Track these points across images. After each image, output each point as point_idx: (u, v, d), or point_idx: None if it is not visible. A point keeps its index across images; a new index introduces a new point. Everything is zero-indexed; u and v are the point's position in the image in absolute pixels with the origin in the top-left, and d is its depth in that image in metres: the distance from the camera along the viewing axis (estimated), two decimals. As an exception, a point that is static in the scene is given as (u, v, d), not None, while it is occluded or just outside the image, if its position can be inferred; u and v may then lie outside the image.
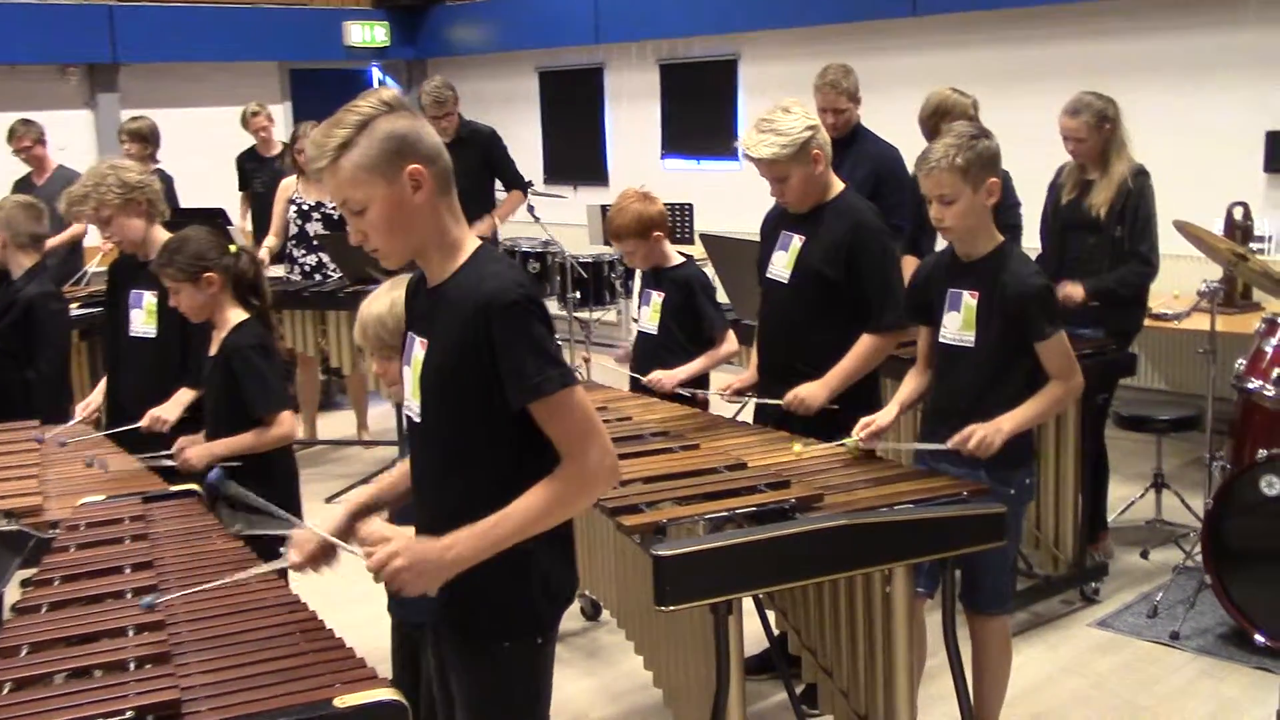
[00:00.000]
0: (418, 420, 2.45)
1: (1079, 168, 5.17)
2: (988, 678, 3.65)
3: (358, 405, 7.62)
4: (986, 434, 3.36)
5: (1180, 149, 6.76)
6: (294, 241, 7.30)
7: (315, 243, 7.23)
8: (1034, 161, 5.42)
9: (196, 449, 3.80)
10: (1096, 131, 4.99)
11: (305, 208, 7.22)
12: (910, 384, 3.74)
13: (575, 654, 4.66)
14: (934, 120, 5.23)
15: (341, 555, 2.58)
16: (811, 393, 3.84)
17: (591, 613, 4.89)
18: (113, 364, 4.51)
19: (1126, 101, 5.13)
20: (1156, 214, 5.08)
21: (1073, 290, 4.94)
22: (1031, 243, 5.38)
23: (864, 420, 3.59)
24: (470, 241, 2.40)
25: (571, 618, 4.86)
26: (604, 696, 4.36)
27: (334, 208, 7.12)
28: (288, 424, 3.84)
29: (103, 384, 4.53)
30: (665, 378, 4.37)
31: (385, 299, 3.01)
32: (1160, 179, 5.17)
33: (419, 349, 2.42)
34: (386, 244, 2.35)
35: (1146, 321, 5.47)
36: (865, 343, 3.88)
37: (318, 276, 7.23)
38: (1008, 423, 3.39)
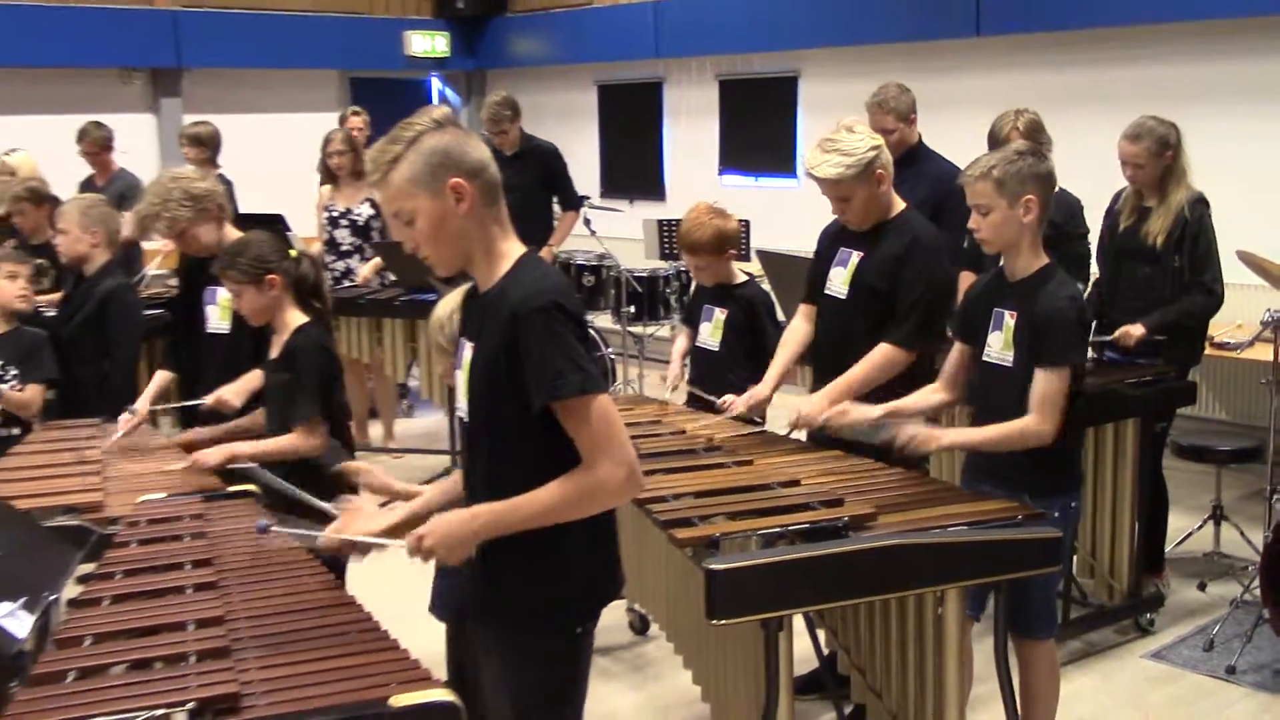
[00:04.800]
0: (466, 420, 2.58)
1: (1136, 194, 5.12)
2: (1037, 703, 3.64)
3: (386, 414, 7.70)
4: (921, 436, 3.46)
5: (1246, 175, 6.70)
6: (325, 248, 7.43)
7: (344, 249, 7.36)
8: (1096, 186, 5.39)
9: (212, 450, 3.77)
10: (1157, 158, 4.94)
11: (335, 214, 7.36)
12: (918, 395, 3.75)
13: (622, 667, 4.70)
14: (993, 147, 5.21)
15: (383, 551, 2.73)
16: (813, 406, 3.83)
17: (640, 627, 4.93)
18: (192, 364, 4.59)
19: (1189, 127, 5.09)
20: (1217, 243, 5.04)
21: (1131, 329, 4.92)
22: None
23: (843, 406, 3.69)
24: (514, 249, 2.51)
25: (619, 631, 4.90)
26: (650, 710, 4.38)
27: (359, 214, 7.27)
28: (319, 438, 3.83)
29: (154, 383, 4.59)
30: (739, 402, 4.37)
31: (447, 305, 3.07)
32: (1224, 206, 5.13)
33: (468, 352, 2.55)
34: (434, 253, 2.49)
35: (1208, 350, 5.43)
36: (878, 352, 3.87)
37: (346, 283, 7.34)
38: (948, 436, 3.53)
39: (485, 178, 2.46)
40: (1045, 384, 3.38)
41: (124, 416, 4.25)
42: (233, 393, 4.12)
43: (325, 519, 2.92)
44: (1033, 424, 3.38)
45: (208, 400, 4.12)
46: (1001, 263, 3.61)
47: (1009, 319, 3.50)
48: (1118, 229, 5.19)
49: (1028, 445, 3.42)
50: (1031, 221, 3.44)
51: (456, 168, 2.42)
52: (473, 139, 2.49)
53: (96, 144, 7.91)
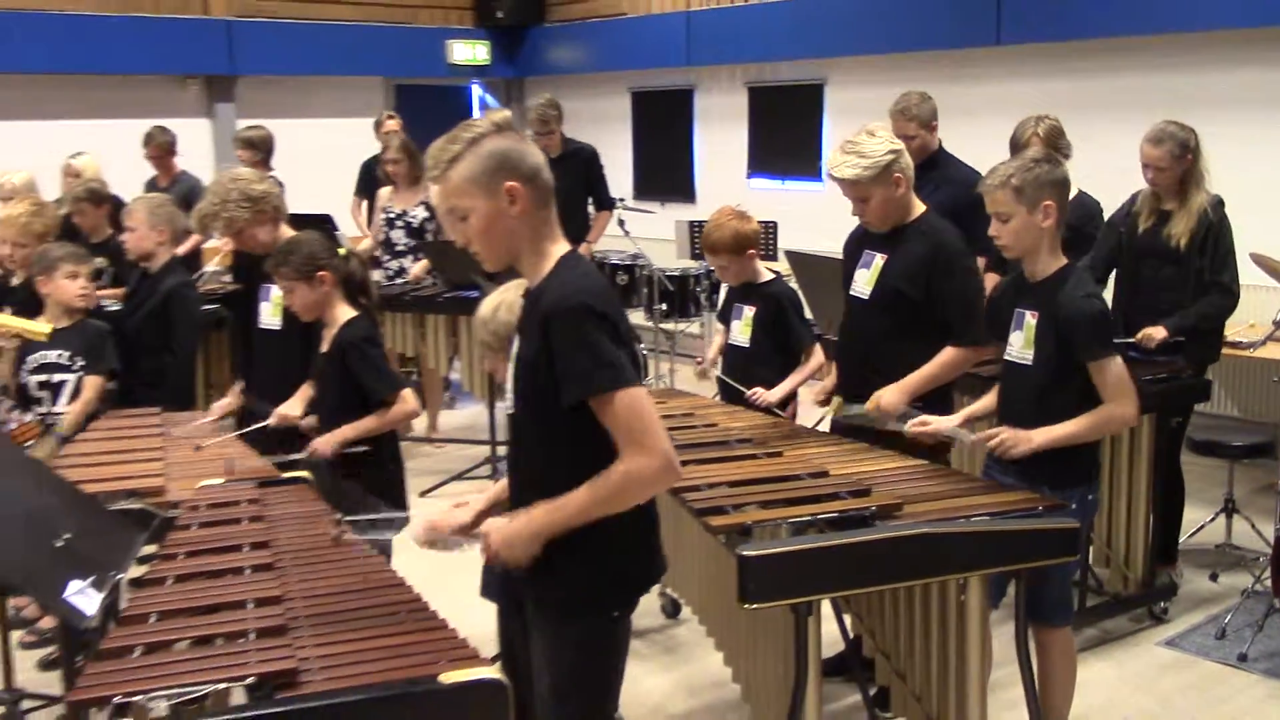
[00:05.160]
0: (511, 412, 2.61)
1: (1154, 196, 5.09)
2: (1054, 688, 3.63)
3: (430, 406, 7.73)
4: (1009, 438, 3.40)
5: (1258, 179, 6.65)
6: (381, 248, 7.47)
7: (399, 249, 7.40)
8: (1114, 190, 5.37)
9: (325, 437, 3.89)
10: (1178, 162, 4.92)
11: (391, 215, 7.40)
12: (986, 400, 3.76)
13: (654, 650, 4.71)
14: (1014, 153, 5.19)
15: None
16: (890, 399, 3.86)
17: (671, 611, 4.93)
18: (244, 358, 4.64)
19: (1203, 132, 5.05)
20: (1234, 244, 5.01)
21: (1154, 331, 4.89)
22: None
23: (923, 417, 3.67)
24: (559, 250, 2.53)
25: (651, 615, 4.91)
26: (682, 691, 4.39)
27: (414, 216, 7.29)
28: (411, 401, 3.96)
29: (237, 387, 4.66)
30: (768, 395, 4.41)
31: (491, 303, 3.10)
32: (1237, 209, 5.09)
33: (516, 346, 2.58)
34: (484, 249, 2.52)
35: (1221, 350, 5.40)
36: (948, 353, 3.90)
37: (398, 281, 7.37)
38: (1040, 435, 3.40)
39: (539, 182, 2.49)
40: (1103, 374, 3.39)
41: (218, 404, 4.56)
42: (291, 406, 4.15)
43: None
44: (1115, 409, 3.40)
45: (271, 422, 4.13)
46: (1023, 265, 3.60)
47: (1029, 318, 3.50)
48: (1136, 231, 5.14)
49: (1114, 431, 3.44)
50: (1050, 226, 3.45)
51: (514, 171, 2.45)
52: (529, 144, 2.52)
53: (161, 148, 7.99)
